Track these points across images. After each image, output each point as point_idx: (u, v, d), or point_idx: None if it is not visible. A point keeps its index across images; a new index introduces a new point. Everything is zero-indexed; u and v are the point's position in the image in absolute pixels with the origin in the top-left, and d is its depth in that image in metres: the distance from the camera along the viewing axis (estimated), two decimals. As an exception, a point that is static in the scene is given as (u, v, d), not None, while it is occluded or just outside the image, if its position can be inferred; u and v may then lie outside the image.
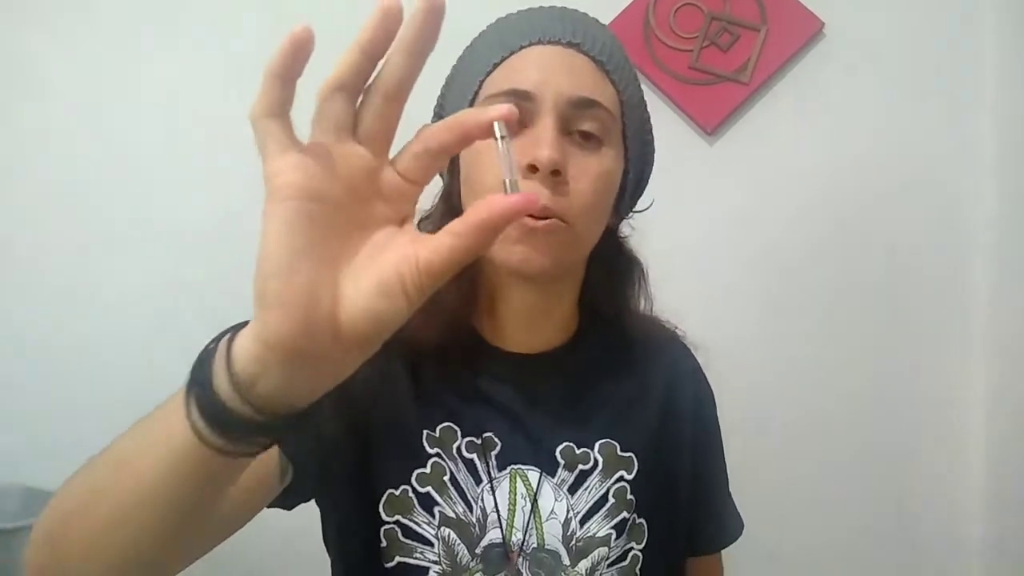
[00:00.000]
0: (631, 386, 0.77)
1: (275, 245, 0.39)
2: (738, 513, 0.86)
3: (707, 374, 0.85)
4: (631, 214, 0.80)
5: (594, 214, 0.68)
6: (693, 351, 0.85)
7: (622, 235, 0.80)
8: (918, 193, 1.38)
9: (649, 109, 0.77)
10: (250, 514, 0.60)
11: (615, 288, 0.77)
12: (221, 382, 0.40)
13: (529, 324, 0.73)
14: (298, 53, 0.38)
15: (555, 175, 0.64)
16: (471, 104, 0.69)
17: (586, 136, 0.67)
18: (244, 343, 0.40)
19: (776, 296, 1.39)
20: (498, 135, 0.42)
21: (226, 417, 0.41)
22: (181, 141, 1.34)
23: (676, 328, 0.84)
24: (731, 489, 0.86)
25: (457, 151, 0.43)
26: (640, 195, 0.80)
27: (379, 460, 0.69)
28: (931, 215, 1.39)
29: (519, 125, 0.65)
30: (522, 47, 0.68)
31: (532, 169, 0.63)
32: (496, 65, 0.68)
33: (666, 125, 1.32)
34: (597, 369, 0.76)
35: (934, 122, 1.38)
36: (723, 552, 0.86)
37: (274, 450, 0.59)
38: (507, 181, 0.42)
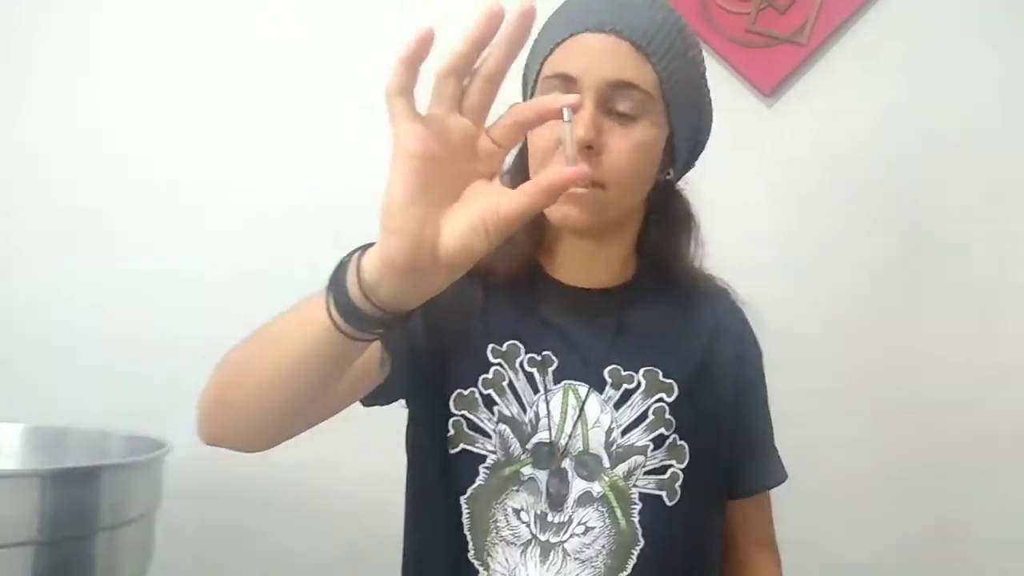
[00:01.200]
0: (678, 325, 0.87)
1: (395, 190, 0.52)
2: (781, 463, 0.93)
3: (758, 333, 0.92)
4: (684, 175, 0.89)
5: (628, 179, 0.79)
6: (742, 306, 0.92)
7: (679, 190, 0.89)
8: (978, 153, 1.38)
9: (707, 74, 0.85)
10: (356, 397, 0.78)
11: (668, 236, 0.87)
12: (352, 286, 0.55)
13: (584, 264, 0.86)
14: (422, 46, 0.51)
15: (589, 148, 0.76)
16: (536, 79, 0.82)
17: (623, 113, 0.78)
18: (370, 259, 0.55)
19: (833, 257, 1.40)
20: (565, 119, 0.55)
21: (354, 311, 0.56)
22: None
23: (728, 286, 0.92)
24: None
25: (536, 126, 0.57)
26: (699, 154, 0.90)
27: (453, 364, 0.83)
28: (991, 175, 1.38)
29: None
30: (573, 34, 0.78)
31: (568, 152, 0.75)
32: (552, 49, 0.80)
33: (723, 88, 1.33)
34: (647, 307, 0.86)
35: (995, 82, 1.37)
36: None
37: (378, 348, 0.75)
38: (568, 155, 0.56)
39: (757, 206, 1.40)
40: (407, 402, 0.86)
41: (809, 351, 1.38)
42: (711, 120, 0.88)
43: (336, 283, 0.57)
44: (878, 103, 1.39)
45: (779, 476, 0.92)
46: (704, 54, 0.85)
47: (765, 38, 1.39)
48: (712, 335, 0.88)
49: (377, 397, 0.80)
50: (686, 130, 0.83)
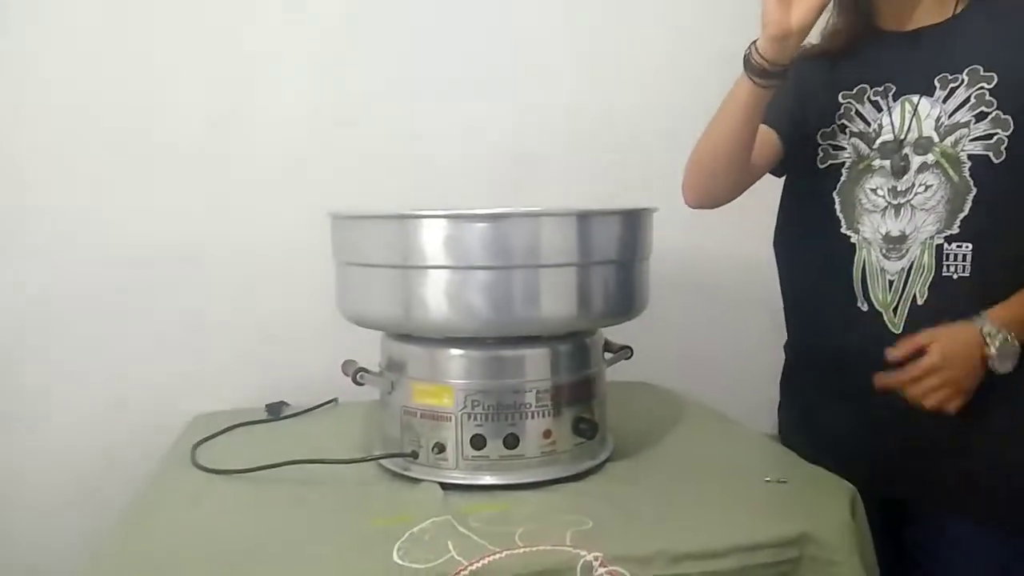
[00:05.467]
0: (996, 31, 1.12)
1: (767, 7, 1.05)
2: None
3: None
4: None
5: None
6: None
7: None
8: None
9: None
10: (765, 172, 1.30)
11: None
12: (755, 56, 1.10)
13: (904, 16, 1.19)
14: None
15: None
16: None
17: None
18: (760, 41, 1.09)
19: None
20: None
21: (759, 68, 1.10)
22: None
23: None
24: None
25: None
26: None
27: (815, 116, 1.26)
28: None
29: None
30: None
31: None
32: None
33: None
34: (968, 26, 1.14)
35: None
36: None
37: (776, 140, 1.27)
38: None
39: None
40: (786, 161, 1.30)
41: None
42: None
43: (747, 61, 1.11)
44: None
45: None
46: None
47: None
48: None
49: (779, 167, 1.30)
50: None
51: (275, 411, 1.61)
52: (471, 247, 1.12)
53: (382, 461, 1.24)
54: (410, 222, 1.15)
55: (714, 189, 1.26)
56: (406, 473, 1.20)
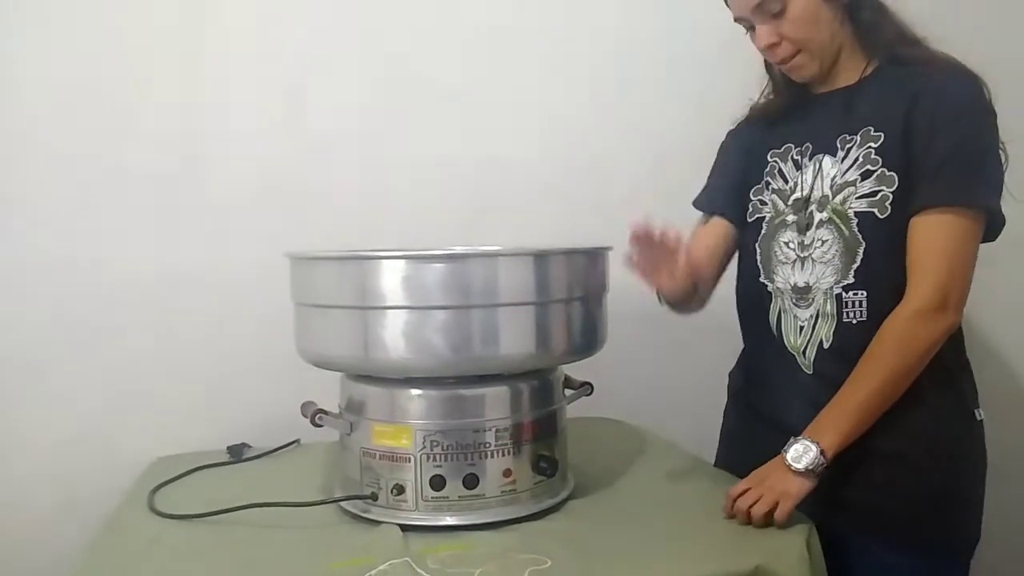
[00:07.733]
0: (889, 92, 1.19)
1: (641, 278, 1.21)
2: (966, 190, 1.13)
3: None
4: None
5: (809, 31, 1.19)
6: (970, 82, 1.15)
7: None
8: None
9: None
10: (724, 265, 1.43)
11: (869, 25, 1.22)
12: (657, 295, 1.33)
13: (823, 83, 1.28)
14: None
15: (773, 46, 1.21)
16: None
17: (777, 11, 1.18)
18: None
19: None
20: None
21: (663, 301, 1.37)
22: None
23: (953, 66, 1.17)
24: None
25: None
26: None
27: (753, 172, 1.35)
28: None
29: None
30: None
31: (763, 52, 1.24)
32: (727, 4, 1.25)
33: None
34: (871, 88, 1.22)
35: None
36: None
37: (728, 228, 1.40)
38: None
39: None
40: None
41: None
42: None
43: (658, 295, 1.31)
44: None
45: (943, 198, 1.12)
46: None
47: None
48: (916, 92, 1.15)
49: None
50: None
51: (237, 453, 1.59)
52: (429, 287, 1.13)
53: (342, 503, 1.23)
54: (368, 263, 1.15)
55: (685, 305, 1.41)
56: (366, 515, 1.19)
